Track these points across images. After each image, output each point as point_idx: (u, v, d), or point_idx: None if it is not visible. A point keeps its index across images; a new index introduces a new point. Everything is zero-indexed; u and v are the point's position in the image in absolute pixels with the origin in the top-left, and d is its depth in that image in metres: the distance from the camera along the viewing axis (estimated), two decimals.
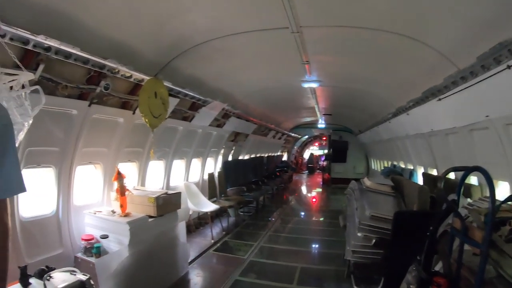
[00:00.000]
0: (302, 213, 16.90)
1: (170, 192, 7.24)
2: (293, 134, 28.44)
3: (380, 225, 5.95)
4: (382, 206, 6.63)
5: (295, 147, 39.27)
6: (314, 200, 21.80)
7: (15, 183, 1.96)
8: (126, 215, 6.40)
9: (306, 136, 37.19)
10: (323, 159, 35.33)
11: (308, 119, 22.38)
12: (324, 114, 18.84)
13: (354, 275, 6.97)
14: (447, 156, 8.31)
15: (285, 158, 33.60)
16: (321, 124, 23.03)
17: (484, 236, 3.13)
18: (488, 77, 4.91)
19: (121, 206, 6.45)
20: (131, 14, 5.01)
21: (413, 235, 4.70)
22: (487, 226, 3.08)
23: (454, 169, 4.04)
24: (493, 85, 4.97)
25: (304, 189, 26.60)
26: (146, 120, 6.64)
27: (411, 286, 3.85)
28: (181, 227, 7.60)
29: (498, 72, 4.63)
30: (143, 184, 8.38)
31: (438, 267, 4.18)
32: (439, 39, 5.50)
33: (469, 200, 6.16)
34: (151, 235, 6.50)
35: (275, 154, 27.23)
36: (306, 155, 44.40)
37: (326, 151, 30.70)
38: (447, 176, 7.27)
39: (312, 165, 39.75)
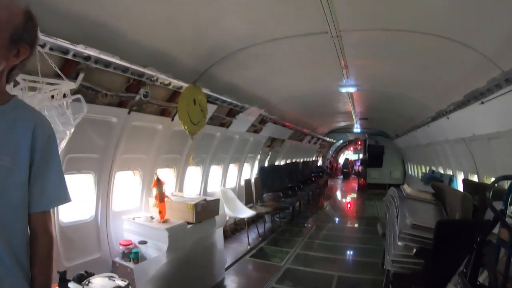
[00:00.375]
0: (338, 219, 16.68)
1: (208, 198, 7.23)
2: (328, 139, 28.14)
3: (421, 234, 5.73)
4: (423, 215, 6.41)
5: (330, 152, 38.90)
6: (349, 206, 21.52)
7: (60, 194, 2.01)
8: (165, 221, 6.43)
9: (341, 141, 36.82)
10: (358, 164, 34.80)
11: (343, 124, 22.10)
12: (360, 119, 18.58)
13: (393, 285, 6.75)
14: (489, 161, 8.01)
15: (320, 163, 33.33)
16: (357, 128, 22.69)
17: None
18: None
19: (160, 212, 6.48)
20: (169, 22, 5.04)
21: (456, 245, 4.51)
22: None
23: (504, 178, 3.83)
24: None
25: (339, 195, 26.30)
26: (186, 127, 6.64)
27: None
28: (219, 234, 7.61)
29: None
30: (180, 190, 8.38)
31: (481, 279, 3.98)
32: (481, 40, 5.28)
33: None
34: (189, 242, 6.51)
35: (311, 159, 27.02)
36: (341, 160, 43.93)
37: (361, 156, 30.27)
38: (484, 183, 7.03)
39: (347, 170, 39.18)
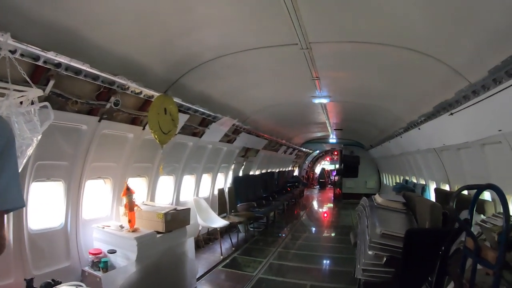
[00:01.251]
0: (313, 229, 16.76)
1: (179, 208, 7.21)
2: (304, 149, 28.36)
3: (391, 243, 5.79)
4: (394, 224, 6.48)
5: (306, 162, 39.12)
6: (325, 215, 21.64)
7: (12, 198, 1.93)
8: (134, 230, 6.41)
9: (318, 151, 37.07)
10: (334, 174, 35.05)
11: (319, 134, 22.31)
12: (335, 129, 18.79)
13: None
14: (460, 171, 8.19)
15: (296, 173, 33.47)
16: (332, 139, 22.94)
17: (497, 256, 3.00)
18: (500, 90, 4.80)
19: (130, 221, 6.46)
20: (141, 31, 5.04)
21: (425, 254, 4.58)
22: (501, 246, 2.96)
23: (467, 188, 3.92)
24: (506, 99, 4.87)
25: (315, 205, 26.39)
26: (156, 136, 6.61)
27: None
28: (190, 243, 7.54)
29: (511, 86, 4.52)
30: (152, 199, 8.34)
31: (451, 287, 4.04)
32: (449, 53, 5.42)
33: (482, 216, 6.00)
34: (158, 251, 6.48)
35: (286, 169, 27.12)
36: (318, 170, 44.21)
37: (337, 166, 30.52)
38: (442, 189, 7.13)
39: (323, 180, 39.41)
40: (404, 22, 4.95)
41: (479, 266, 3.43)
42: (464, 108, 6.17)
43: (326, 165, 43.85)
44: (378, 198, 8.22)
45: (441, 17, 4.52)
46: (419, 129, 9.24)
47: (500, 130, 5.63)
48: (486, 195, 6.84)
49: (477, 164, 7.14)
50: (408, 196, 8.40)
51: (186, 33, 5.38)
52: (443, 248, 3.70)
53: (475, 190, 3.78)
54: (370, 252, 5.92)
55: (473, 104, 5.75)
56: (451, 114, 6.71)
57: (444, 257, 3.62)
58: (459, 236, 4.00)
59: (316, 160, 43.03)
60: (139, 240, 6.04)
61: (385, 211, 7.36)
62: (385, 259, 5.80)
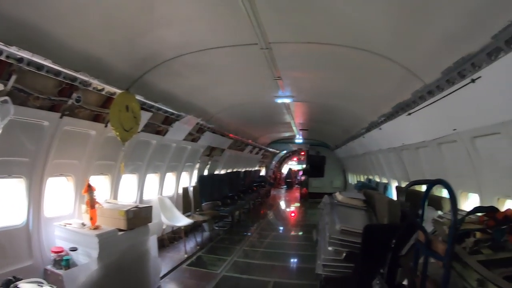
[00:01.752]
0: (278, 228, 16.91)
1: (140, 205, 7.20)
2: (271, 149, 28.53)
3: (350, 239, 5.93)
4: (353, 220, 6.63)
5: (273, 162, 39.24)
6: (291, 214, 21.83)
7: None
8: (96, 228, 6.38)
9: (285, 151, 37.25)
10: (301, 174, 35.31)
11: (286, 134, 22.52)
12: (301, 129, 18.97)
13: None
14: (419, 169, 8.42)
15: (263, 173, 33.58)
16: (299, 139, 23.13)
17: (446, 248, 3.13)
18: (454, 91, 4.99)
19: (91, 219, 6.42)
20: (104, 28, 5.00)
21: (381, 248, 4.70)
22: (449, 238, 3.09)
23: (416, 183, 4.07)
24: (459, 99, 5.07)
25: (281, 204, 26.61)
26: (117, 133, 6.57)
27: None
28: (152, 241, 7.51)
29: (463, 86, 4.71)
30: (115, 198, 8.28)
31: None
32: (405, 55, 5.61)
33: (439, 212, 6.21)
34: (121, 249, 6.43)
35: (253, 169, 27.18)
36: (285, 170, 44.42)
37: (304, 166, 30.78)
38: (418, 190, 7.37)
39: (290, 180, 39.73)
40: (363, 25, 5.09)
41: (434, 260, 3.57)
42: (420, 109, 6.38)
43: (293, 165, 44.09)
44: (338, 196, 8.38)
45: (398, 20, 4.68)
46: (380, 129, 9.47)
47: (454, 130, 5.85)
48: (444, 193, 7.06)
49: (435, 162, 7.37)
50: (368, 193, 8.59)
51: (148, 31, 5.38)
52: (393, 241, 3.82)
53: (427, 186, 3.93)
54: (330, 248, 6.05)
55: (429, 104, 5.96)
56: (409, 114, 6.92)
57: (396, 250, 3.74)
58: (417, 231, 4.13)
59: (283, 160, 43.23)
60: (101, 237, 6.00)
61: (345, 209, 7.52)
62: (344, 254, 5.94)
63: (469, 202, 6.58)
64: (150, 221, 7.27)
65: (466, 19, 3.98)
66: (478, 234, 3.42)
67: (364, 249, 5.39)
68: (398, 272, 4.03)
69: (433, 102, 5.79)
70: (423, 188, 6.97)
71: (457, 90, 4.90)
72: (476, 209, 4.04)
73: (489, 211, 3.78)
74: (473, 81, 4.45)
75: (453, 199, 3.14)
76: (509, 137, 4.56)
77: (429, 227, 4.03)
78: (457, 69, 4.61)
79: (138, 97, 7.02)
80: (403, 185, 10.01)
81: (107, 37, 5.27)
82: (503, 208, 4.13)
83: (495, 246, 3.32)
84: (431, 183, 3.62)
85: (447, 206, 6.55)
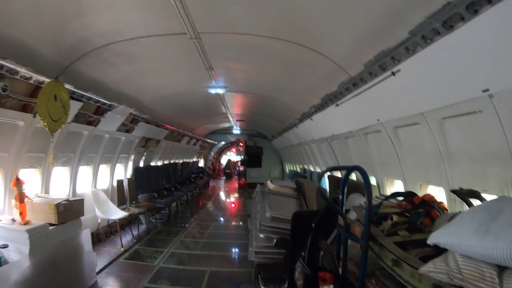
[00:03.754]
0: (216, 218, 16.98)
1: (71, 198, 7.01)
2: (209, 140, 28.49)
3: (280, 225, 6.12)
4: (283, 208, 6.82)
5: (212, 153, 39.21)
6: (229, 205, 21.94)
7: None
8: (26, 223, 6.17)
9: (223, 142, 37.29)
10: (239, 164, 35.52)
11: (225, 125, 22.54)
12: (237, 120, 19.07)
13: (262, 276, 7.10)
14: (348, 158, 8.77)
15: (202, 164, 33.48)
16: (236, 130, 23.29)
17: (363, 231, 3.32)
18: (376, 83, 5.26)
19: (21, 213, 6.20)
20: (30, 12, 4.80)
21: (308, 233, 4.88)
22: (365, 221, 3.27)
23: (332, 169, 4.29)
24: (381, 91, 5.35)
25: (220, 195, 26.67)
26: (45, 123, 6.35)
27: (298, 282, 4.00)
28: (86, 235, 7.33)
29: (384, 79, 4.97)
30: (47, 192, 7.99)
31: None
32: (330, 48, 5.82)
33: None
34: (53, 244, 6.27)
35: (191, 160, 27.04)
36: (224, 161, 44.49)
37: (242, 156, 30.99)
38: (351, 178, 7.69)
39: (229, 171, 39.86)
40: (286, 17, 5.21)
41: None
42: (347, 100, 6.65)
43: (232, 156, 44.26)
44: (269, 185, 8.58)
45: (323, 14, 4.84)
46: (311, 119, 9.75)
47: (378, 120, 6.17)
48: (372, 181, 7.42)
49: (362, 151, 7.72)
50: (299, 182, 8.84)
51: (76, 17, 5.22)
52: (312, 225, 4.01)
53: (346, 173, 4.13)
54: (261, 235, 6.22)
55: (354, 96, 6.23)
56: (337, 105, 7.20)
57: (314, 234, 3.93)
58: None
59: (221, 151, 43.29)
60: (31, 232, 5.84)
61: (276, 196, 7.72)
62: (275, 241, 6.13)
63: (394, 188, 6.97)
64: (82, 215, 7.12)
65: (386, 14, 4.19)
66: (395, 217, 3.64)
67: (293, 235, 5.55)
68: (321, 255, 4.22)
69: (358, 94, 6.06)
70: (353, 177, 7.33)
71: (379, 82, 5.16)
72: (395, 194, 4.33)
73: (407, 196, 4.06)
74: (393, 74, 4.71)
75: (367, 184, 3.33)
76: (428, 128, 4.88)
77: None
78: (377, 62, 4.86)
79: (68, 86, 6.81)
80: (335, 174, 10.36)
81: (34, 22, 5.06)
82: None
83: (412, 228, 3.57)
84: (348, 169, 3.80)
85: (374, 193, 6.90)
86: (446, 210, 3.87)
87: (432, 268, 2.45)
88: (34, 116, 6.76)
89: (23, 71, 5.67)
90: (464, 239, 2.39)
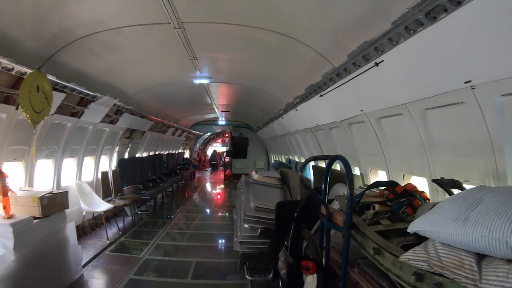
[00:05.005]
0: (202, 209, 16.99)
1: (56, 191, 6.92)
2: (194, 131, 28.43)
3: (264, 215, 6.15)
4: (268, 198, 6.85)
5: (198, 144, 39.16)
6: (214, 196, 21.96)
7: None
8: (10, 217, 6.01)
9: (208, 133, 37.22)
10: (225, 155, 35.53)
11: (210, 116, 22.46)
12: (223, 111, 19.03)
13: (247, 266, 7.14)
14: (333, 149, 8.82)
15: (187, 155, 33.40)
16: (222, 121, 23.23)
17: (344, 219, 3.34)
18: (360, 73, 5.28)
19: (4, 207, 6.06)
20: (9, 1, 4.71)
21: (291, 223, 4.90)
22: (347, 210, 3.29)
23: (314, 158, 4.27)
24: (365, 81, 5.38)
25: (206, 186, 26.66)
26: (27, 115, 6.25)
27: (282, 271, 4.03)
28: (71, 228, 7.26)
29: (368, 69, 4.99)
30: (31, 185, 7.89)
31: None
32: (314, 38, 5.83)
33: None
34: (37, 237, 6.17)
35: (176, 152, 26.96)
36: (210, 152, 44.42)
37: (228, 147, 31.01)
38: (333, 168, 7.74)
39: (215, 162, 39.81)
40: (277, 8, 5.19)
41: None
42: (331, 90, 6.67)
43: (218, 147, 44.21)
44: (254, 175, 8.60)
45: (307, 3, 4.85)
46: (296, 110, 9.78)
47: (362, 111, 6.20)
48: (356, 171, 7.49)
49: (346, 142, 7.77)
50: (284, 172, 8.88)
51: (58, 7, 5.13)
52: (295, 214, 4.03)
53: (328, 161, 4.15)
54: (245, 226, 6.24)
55: (338, 86, 6.25)
56: (321, 96, 7.21)
57: (296, 223, 3.95)
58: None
59: (207, 142, 43.22)
60: (15, 226, 5.71)
61: (260, 186, 7.74)
62: (259, 231, 6.15)
63: (378, 178, 7.03)
64: (67, 207, 7.03)
65: (369, 4, 4.20)
66: (377, 207, 3.66)
67: (277, 225, 5.58)
68: (304, 244, 4.25)
69: (342, 84, 6.08)
70: (337, 167, 7.37)
71: (363, 73, 5.19)
72: (377, 184, 4.36)
73: (389, 185, 4.09)
74: (376, 64, 4.73)
75: (349, 173, 3.34)
76: (411, 118, 4.93)
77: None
78: (361, 53, 4.89)
79: (50, 77, 6.69)
80: (320, 164, 10.41)
81: (15, 12, 4.97)
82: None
83: (394, 217, 3.60)
84: (331, 159, 3.81)
85: (357, 183, 6.96)
86: (428, 199, 3.90)
87: (412, 256, 2.48)
88: (17, 108, 6.64)
89: (4, 62, 5.55)
90: (443, 227, 2.42)
